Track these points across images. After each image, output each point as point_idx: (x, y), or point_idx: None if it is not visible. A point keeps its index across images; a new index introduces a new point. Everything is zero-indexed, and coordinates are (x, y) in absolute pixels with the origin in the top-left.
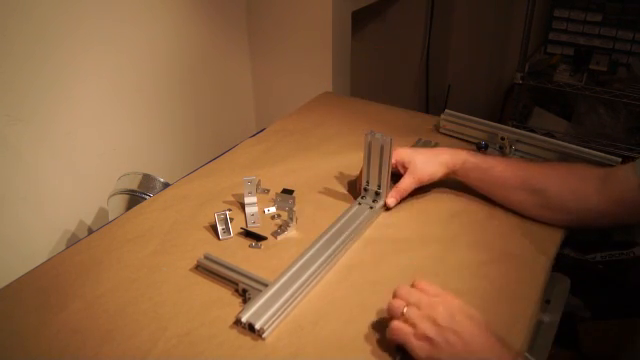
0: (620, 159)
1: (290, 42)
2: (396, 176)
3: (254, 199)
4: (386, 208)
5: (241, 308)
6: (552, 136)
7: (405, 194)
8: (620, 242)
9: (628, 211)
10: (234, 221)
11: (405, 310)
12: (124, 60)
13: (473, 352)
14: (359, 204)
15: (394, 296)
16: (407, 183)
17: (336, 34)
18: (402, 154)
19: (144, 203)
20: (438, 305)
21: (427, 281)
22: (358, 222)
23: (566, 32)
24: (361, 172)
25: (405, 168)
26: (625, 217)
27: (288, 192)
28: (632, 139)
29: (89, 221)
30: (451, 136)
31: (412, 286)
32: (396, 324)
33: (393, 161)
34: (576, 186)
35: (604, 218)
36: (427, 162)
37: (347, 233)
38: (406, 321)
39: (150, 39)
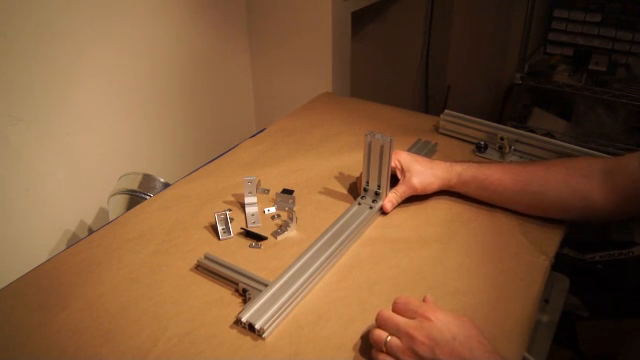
0: None
1: (290, 42)
2: (394, 177)
3: (254, 199)
4: (383, 212)
5: (241, 308)
6: (551, 136)
7: (400, 200)
8: (619, 242)
9: (633, 204)
10: (234, 221)
11: (388, 339)
12: (125, 60)
13: None
14: (359, 204)
15: (376, 323)
16: (401, 191)
17: (336, 34)
18: (402, 159)
19: (144, 203)
20: (418, 333)
21: (405, 296)
22: (358, 222)
23: (565, 32)
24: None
25: (402, 174)
26: (630, 210)
27: (288, 192)
28: (631, 139)
29: (89, 221)
30: (451, 136)
31: (393, 308)
32: (382, 358)
33: (392, 163)
34: (577, 185)
35: (608, 213)
36: (423, 173)
37: (347, 233)
38: (389, 354)
39: (151, 40)
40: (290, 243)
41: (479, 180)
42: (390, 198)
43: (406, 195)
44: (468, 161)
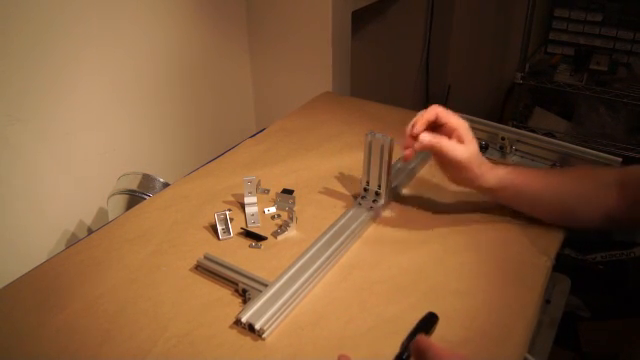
0: (620, 159)
1: (290, 42)
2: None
3: (254, 199)
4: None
5: (241, 308)
6: (552, 136)
7: (438, 145)
8: (620, 242)
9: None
10: (234, 221)
11: None
12: (124, 60)
13: None
14: (359, 204)
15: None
16: (449, 142)
17: (336, 34)
18: (463, 124)
19: (144, 203)
20: None
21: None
22: (358, 222)
23: (566, 32)
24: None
25: (453, 135)
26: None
27: (288, 192)
28: (632, 139)
29: (89, 221)
30: None
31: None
32: None
33: (453, 122)
34: (600, 197)
35: (624, 222)
36: (476, 151)
37: (347, 233)
38: None
39: (150, 39)
40: (290, 243)
41: (520, 187)
42: (436, 136)
43: (450, 146)
44: (505, 164)
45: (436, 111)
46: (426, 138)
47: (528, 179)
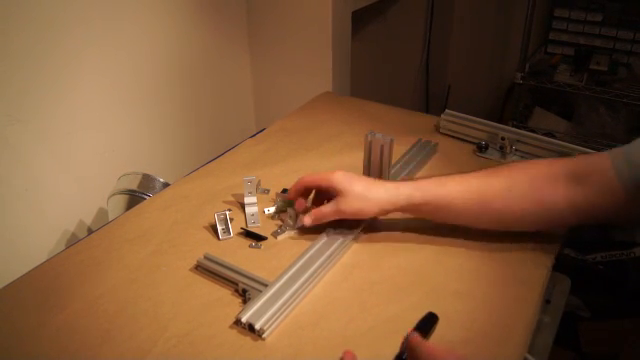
0: None
1: (290, 42)
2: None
3: (254, 199)
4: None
5: (241, 308)
6: (552, 136)
7: (322, 221)
8: (620, 242)
9: (605, 208)
10: (234, 221)
11: None
12: (124, 60)
13: None
14: None
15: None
16: (328, 211)
17: (336, 34)
18: (335, 179)
19: (144, 203)
20: None
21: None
22: (359, 222)
23: (566, 32)
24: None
25: (335, 193)
26: (602, 214)
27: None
28: (632, 139)
29: (89, 221)
30: (451, 136)
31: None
32: None
33: (324, 184)
34: (542, 195)
35: (580, 220)
36: (359, 197)
37: (348, 233)
38: None
39: (150, 39)
40: (290, 243)
41: (433, 203)
42: (312, 214)
43: (331, 217)
44: (419, 178)
45: (303, 182)
46: (308, 221)
47: (444, 190)
